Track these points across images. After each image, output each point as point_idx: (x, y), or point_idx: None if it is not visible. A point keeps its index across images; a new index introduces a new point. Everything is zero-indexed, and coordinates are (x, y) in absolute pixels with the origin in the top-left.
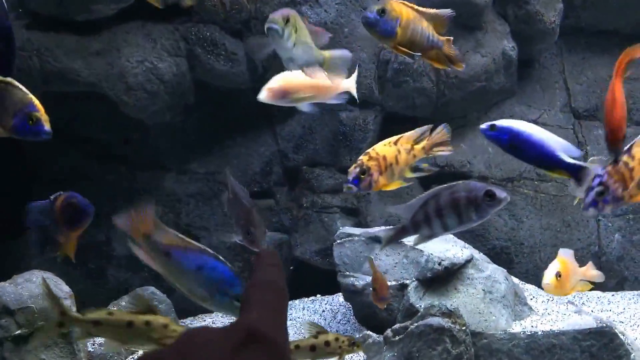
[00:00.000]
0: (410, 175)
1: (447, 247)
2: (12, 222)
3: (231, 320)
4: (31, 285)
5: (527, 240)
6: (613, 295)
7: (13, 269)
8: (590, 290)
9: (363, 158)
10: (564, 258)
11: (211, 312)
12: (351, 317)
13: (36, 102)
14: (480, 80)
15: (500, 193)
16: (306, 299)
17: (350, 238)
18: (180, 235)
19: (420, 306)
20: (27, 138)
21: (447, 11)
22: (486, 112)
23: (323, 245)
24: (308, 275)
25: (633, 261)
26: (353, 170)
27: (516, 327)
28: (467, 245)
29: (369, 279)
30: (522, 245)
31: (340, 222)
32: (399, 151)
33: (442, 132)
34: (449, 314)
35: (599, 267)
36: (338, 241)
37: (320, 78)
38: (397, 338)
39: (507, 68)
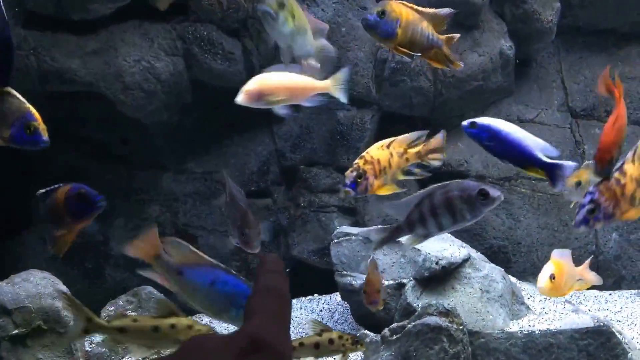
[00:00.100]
0: (401, 177)
1: (444, 247)
2: (9, 221)
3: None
4: (28, 285)
5: (524, 240)
6: (610, 294)
7: (10, 269)
8: (588, 289)
9: (359, 162)
10: (558, 259)
11: None
12: (349, 316)
13: (33, 111)
14: (477, 79)
15: (494, 192)
16: (304, 299)
17: (347, 237)
18: (192, 248)
19: (418, 305)
20: (24, 147)
21: (446, 10)
22: (483, 111)
23: (320, 245)
24: (305, 275)
25: (630, 260)
26: (350, 174)
27: (513, 326)
28: (464, 244)
29: None
30: (520, 245)
31: (337, 222)
32: (391, 154)
33: (439, 140)
34: (447, 313)
35: (596, 266)
36: (335, 240)
37: (300, 77)
38: (394, 337)
39: (504, 67)
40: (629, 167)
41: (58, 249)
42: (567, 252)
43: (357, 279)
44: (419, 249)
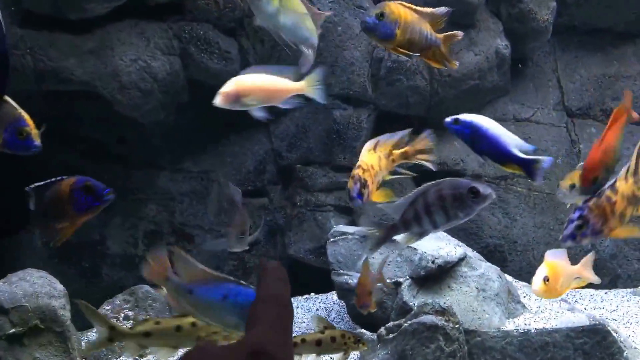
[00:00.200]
0: (387, 178)
1: (440, 246)
2: (6, 221)
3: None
4: (25, 284)
5: (521, 239)
6: (606, 292)
7: (7, 268)
8: (584, 287)
9: (358, 171)
10: (552, 261)
11: None
12: (345, 315)
13: (26, 116)
14: (473, 78)
15: (485, 190)
16: (300, 298)
17: (344, 236)
18: (200, 265)
19: (414, 304)
20: (17, 152)
21: (443, 9)
22: (480, 110)
23: (317, 244)
24: (302, 274)
25: (626, 259)
26: (354, 186)
27: (509, 325)
28: (460, 243)
29: None
30: (516, 244)
31: (334, 221)
32: (379, 157)
33: (425, 140)
34: (443, 312)
35: (592, 264)
36: (332, 239)
37: (277, 79)
38: (390, 336)
39: (500, 66)
40: (620, 185)
41: (56, 240)
42: (561, 252)
43: (354, 278)
44: (415, 248)
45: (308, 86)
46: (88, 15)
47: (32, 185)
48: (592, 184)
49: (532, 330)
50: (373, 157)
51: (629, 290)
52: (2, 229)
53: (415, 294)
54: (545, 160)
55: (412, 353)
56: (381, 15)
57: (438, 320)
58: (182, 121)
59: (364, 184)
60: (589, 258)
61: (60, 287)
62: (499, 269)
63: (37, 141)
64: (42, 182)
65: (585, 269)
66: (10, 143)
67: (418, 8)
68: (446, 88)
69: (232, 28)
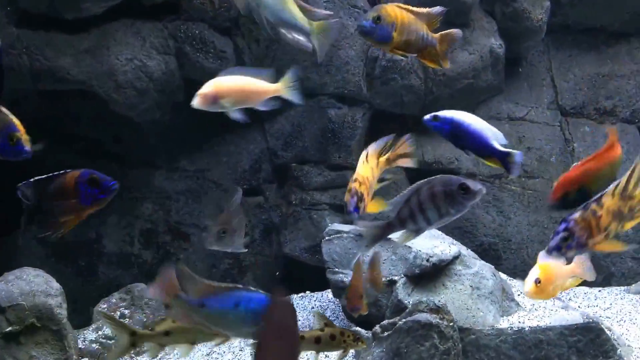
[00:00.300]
0: (376, 187)
1: (435, 244)
2: (3, 220)
3: None
4: (22, 283)
5: (515, 237)
6: (600, 290)
7: (4, 267)
8: (578, 285)
9: (354, 185)
10: (544, 263)
11: None
12: (340, 313)
13: (17, 122)
14: (467, 77)
15: (475, 186)
16: (295, 296)
17: (339, 235)
18: (207, 281)
19: (409, 302)
20: (8, 158)
21: (438, 9)
22: (474, 109)
23: (312, 242)
24: (297, 272)
25: (619, 257)
26: (351, 200)
27: (504, 323)
28: (455, 241)
29: None
30: (510, 242)
31: (329, 219)
32: (372, 168)
33: (405, 144)
34: (437, 310)
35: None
36: (327, 238)
37: (254, 80)
38: (385, 334)
39: (494, 65)
40: (607, 200)
41: (59, 233)
42: None
43: (349, 276)
44: (409, 246)
45: (284, 87)
46: (84, 14)
47: (33, 179)
48: (560, 199)
49: (526, 328)
50: (367, 169)
51: (622, 288)
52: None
53: (410, 292)
54: (517, 153)
55: (407, 351)
56: (378, 19)
57: (432, 318)
58: (178, 120)
59: (360, 198)
60: (584, 257)
61: (56, 285)
62: (493, 267)
63: (28, 146)
64: (43, 176)
65: (579, 268)
66: (1, 148)
67: (414, 9)
68: (441, 87)
69: (227, 27)
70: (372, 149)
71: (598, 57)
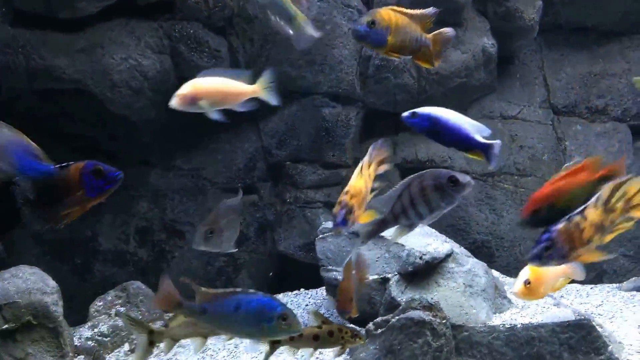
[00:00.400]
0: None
1: (428, 242)
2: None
3: None
4: (18, 281)
5: (507, 235)
6: (592, 288)
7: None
8: (570, 282)
9: (345, 197)
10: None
11: None
12: (334, 310)
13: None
14: (460, 76)
15: (464, 178)
16: (290, 293)
17: (333, 233)
18: (204, 287)
19: (402, 300)
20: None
21: (431, 10)
22: (466, 108)
23: (307, 240)
24: (292, 270)
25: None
26: (339, 212)
27: (496, 320)
28: (447, 239)
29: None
30: (503, 240)
31: (323, 217)
32: (365, 181)
33: (381, 150)
34: (430, 307)
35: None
36: (321, 236)
37: (232, 82)
38: (379, 331)
39: (487, 64)
40: (590, 212)
41: (62, 223)
42: None
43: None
44: (402, 244)
45: (261, 89)
46: (79, 14)
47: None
48: (531, 216)
49: (519, 325)
50: (361, 182)
51: (614, 285)
52: None
53: (404, 289)
54: (497, 143)
55: (400, 348)
56: (372, 23)
57: (425, 315)
58: (173, 119)
59: (349, 210)
60: None
61: (52, 283)
62: (485, 264)
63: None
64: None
65: (569, 268)
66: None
67: (407, 11)
68: (434, 86)
69: (221, 27)
70: (366, 159)
71: (590, 56)
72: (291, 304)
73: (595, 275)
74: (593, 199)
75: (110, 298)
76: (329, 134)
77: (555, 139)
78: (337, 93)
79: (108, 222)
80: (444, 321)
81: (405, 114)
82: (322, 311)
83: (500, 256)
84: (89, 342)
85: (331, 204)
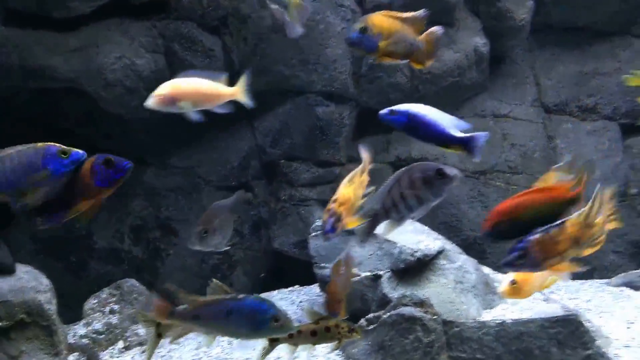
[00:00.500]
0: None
1: (419, 239)
2: None
3: None
4: (11, 279)
5: None
6: (582, 283)
7: None
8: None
9: (334, 205)
10: None
11: None
12: None
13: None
14: (453, 75)
15: (451, 171)
16: (284, 290)
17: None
18: (195, 296)
19: (394, 296)
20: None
21: (422, 12)
22: (458, 107)
23: (301, 237)
24: (287, 267)
25: (601, 250)
26: (328, 220)
27: (486, 316)
28: (439, 236)
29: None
30: None
31: (317, 215)
32: (355, 188)
33: (368, 157)
34: (421, 303)
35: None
36: (314, 234)
37: (211, 84)
38: (370, 327)
39: (478, 64)
40: (569, 226)
41: (88, 215)
42: None
43: None
44: (395, 242)
45: (241, 91)
46: (73, 14)
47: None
48: (492, 229)
49: (508, 321)
50: (350, 189)
51: (603, 281)
52: None
53: (395, 286)
54: (480, 135)
55: (391, 344)
56: (364, 30)
57: (416, 311)
58: (167, 118)
59: (338, 218)
60: None
61: (46, 281)
62: (476, 261)
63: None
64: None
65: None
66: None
67: (399, 14)
68: (426, 85)
69: (215, 26)
70: (359, 168)
71: (580, 56)
72: (285, 300)
73: (586, 271)
74: (576, 213)
75: (104, 296)
76: (322, 132)
77: (546, 137)
78: (331, 92)
79: (103, 220)
80: (434, 317)
81: (384, 111)
82: (316, 308)
83: (491, 253)
84: (83, 340)
85: (325, 201)
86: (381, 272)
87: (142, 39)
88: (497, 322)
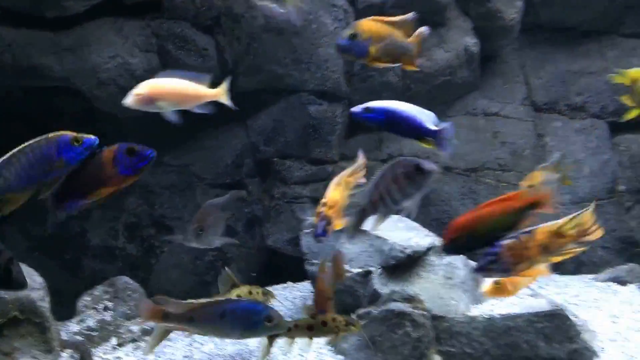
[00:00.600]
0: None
1: (410, 236)
2: None
3: None
4: None
5: None
6: (570, 278)
7: None
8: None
9: (323, 209)
10: None
11: None
12: None
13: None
14: (444, 74)
15: (429, 166)
16: (278, 286)
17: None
18: (187, 301)
19: (385, 292)
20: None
21: (411, 15)
22: (450, 105)
23: (294, 235)
24: (280, 263)
25: (590, 246)
26: (319, 224)
27: (475, 311)
28: (429, 233)
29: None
30: None
31: (310, 212)
32: (342, 190)
33: (361, 161)
34: (410, 299)
35: None
36: (305, 231)
37: (192, 84)
38: (361, 323)
39: (469, 63)
40: (539, 233)
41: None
42: None
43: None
44: (385, 239)
45: (223, 93)
46: (66, 13)
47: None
48: (451, 243)
49: (496, 316)
50: (337, 192)
51: (591, 276)
52: None
53: (386, 282)
54: (447, 128)
55: (381, 339)
56: (354, 36)
57: (405, 307)
58: (161, 116)
59: (328, 222)
60: None
61: (39, 279)
62: (465, 257)
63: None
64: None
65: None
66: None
67: (388, 19)
68: (418, 84)
69: (209, 26)
70: (344, 173)
71: (569, 55)
72: (279, 296)
73: (574, 266)
74: (549, 223)
75: (97, 293)
76: (315, 130)
77: (535, 135)
78: (324, 91)
79: (97, 217)
80: (424, 312)
81: (357, 109)
82: (309, 303)
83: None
84: (77, 337)
85: (318, 199)
86: (372, 269)
87: (135, 38)
88: (486, 317)
